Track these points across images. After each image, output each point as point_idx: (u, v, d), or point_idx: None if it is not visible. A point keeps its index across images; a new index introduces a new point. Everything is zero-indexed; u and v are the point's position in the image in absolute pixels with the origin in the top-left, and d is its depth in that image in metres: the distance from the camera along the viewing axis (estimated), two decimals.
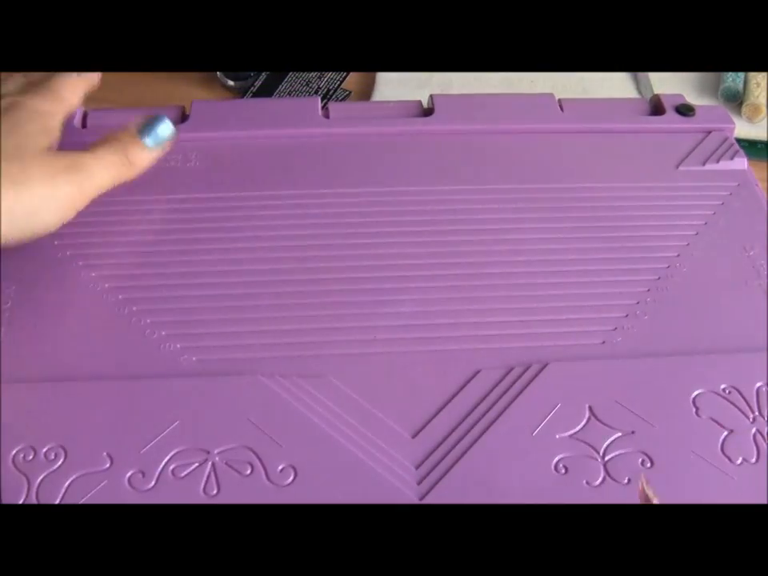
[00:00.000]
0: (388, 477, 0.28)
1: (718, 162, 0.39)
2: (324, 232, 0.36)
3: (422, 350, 0.32)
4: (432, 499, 0.27)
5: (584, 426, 0.29)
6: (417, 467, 0.28)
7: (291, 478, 0.28)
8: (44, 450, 0.28)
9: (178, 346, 0.32)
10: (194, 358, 0.31)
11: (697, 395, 0.30)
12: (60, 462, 0.28)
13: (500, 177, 0.38)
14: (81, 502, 0.27)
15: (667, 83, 0.50)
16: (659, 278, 0.34)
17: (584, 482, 0.28)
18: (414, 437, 0.29)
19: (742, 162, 0.39)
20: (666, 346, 0.32)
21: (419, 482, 0.28)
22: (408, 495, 0.27)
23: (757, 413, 0.30)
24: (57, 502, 0.27)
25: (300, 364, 0.31)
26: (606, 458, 0.29)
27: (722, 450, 0.29)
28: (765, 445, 0.29)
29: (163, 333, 0.32)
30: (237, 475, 0.28)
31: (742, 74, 0.51)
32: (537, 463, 0.28)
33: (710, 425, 0.30)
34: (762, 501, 0.27)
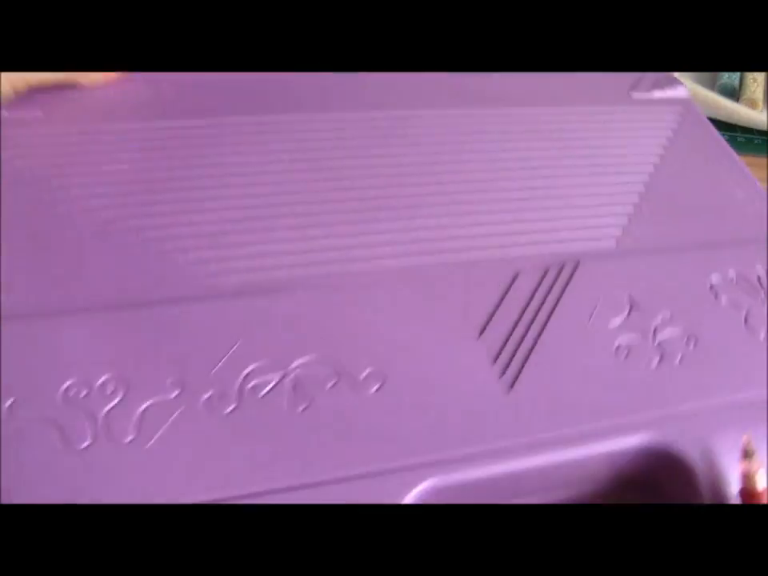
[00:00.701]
0: (473, 371, 0.28)
1: (663, 89, 0.42)
2: (333, 155, 0.34)
3: (456, 260, 0.32)
4: (519, 389, 0.27)
5: (628, 314, 0.31)
6: (494, 361, 0.28)
7: (377, 386, 0.27)
8: (98, 383, 0.25)
9: (210, 267, 0.29)
10: (231, 279, 0.29)
11: (713, 283, 0.33)
12: (121, 395, 0.25)
13: (462, 103, 0.39)
14: (159, 432, 0.24)
15: None
16: (646, 190, 0.37)
17: (644, 364, 0.29)
18: (479, 336, 0.29)
19: (684, 90, 0.43)
20: (674, 243, 0.34)
21: (502, 375, 0.28)
22: (494, 387, 0.27)
23: (765, 291, 0.33)
24: (130, 438, 0.24)
25: (341, 278, 0.30)
26: (657, 341, 0.30)
27: (746, 324, 0.32)
28: None
29: (189, 256, 0.29)
30: (321, 387, 0.26)
31: None
32: (600, 350, 0.29)
33: (730, 306, 0.32)
34: None
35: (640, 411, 0.27)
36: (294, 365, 0.26)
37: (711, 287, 0.33)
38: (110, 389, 0.25)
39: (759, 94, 0.53)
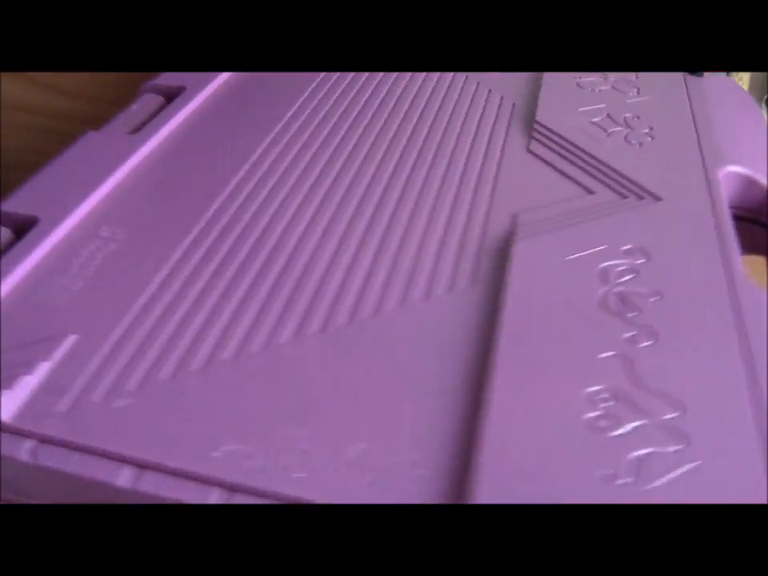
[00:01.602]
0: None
1: None
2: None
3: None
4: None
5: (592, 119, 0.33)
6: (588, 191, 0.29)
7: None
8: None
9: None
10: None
11: (577, 81, 0.37)
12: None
13: None
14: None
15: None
16: None
17: (640, 144, 0.32)
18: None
19: None
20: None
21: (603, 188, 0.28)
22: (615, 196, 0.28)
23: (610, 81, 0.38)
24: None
25: None
26: (627, 133, 0.33)
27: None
28: None
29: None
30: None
31: None
32: (614, 144, 0.32)
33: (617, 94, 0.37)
34: None
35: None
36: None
37: (578, 83, 0.38)
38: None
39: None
